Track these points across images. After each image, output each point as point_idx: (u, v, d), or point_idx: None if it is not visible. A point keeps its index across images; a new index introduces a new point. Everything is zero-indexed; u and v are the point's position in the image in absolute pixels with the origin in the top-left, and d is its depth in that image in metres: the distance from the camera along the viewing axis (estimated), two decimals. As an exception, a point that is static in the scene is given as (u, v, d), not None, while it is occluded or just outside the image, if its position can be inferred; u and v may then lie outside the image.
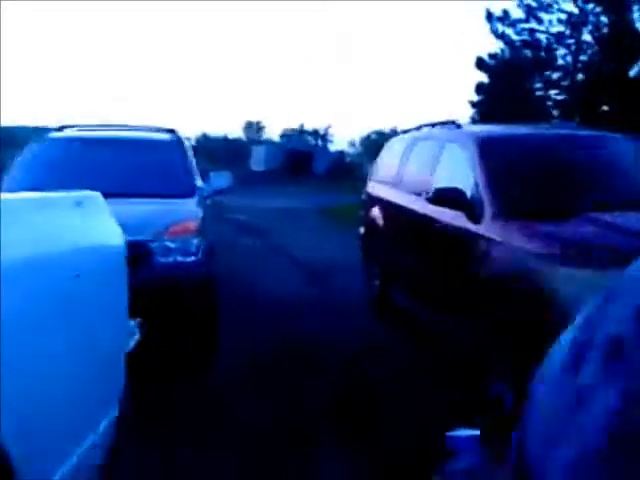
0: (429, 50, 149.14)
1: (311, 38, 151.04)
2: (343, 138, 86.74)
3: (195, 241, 5.10)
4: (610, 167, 5.18)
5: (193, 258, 5.03)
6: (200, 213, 5.54)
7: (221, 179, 6.48)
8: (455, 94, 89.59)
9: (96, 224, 2.54)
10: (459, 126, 5.88)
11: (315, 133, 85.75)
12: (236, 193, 10.30)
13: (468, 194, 4.74)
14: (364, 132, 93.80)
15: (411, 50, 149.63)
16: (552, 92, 36.40)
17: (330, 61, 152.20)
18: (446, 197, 4.77)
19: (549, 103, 34.86)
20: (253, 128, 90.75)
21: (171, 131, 6.97)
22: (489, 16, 29.40)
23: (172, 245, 4.93)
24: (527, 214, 4.44)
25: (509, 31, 29.73)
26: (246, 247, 11.48)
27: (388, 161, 7.52)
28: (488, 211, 4.55)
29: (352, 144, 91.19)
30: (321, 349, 5.58)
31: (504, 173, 4.78)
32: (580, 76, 32.22)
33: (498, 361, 4.20)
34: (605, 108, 27.93)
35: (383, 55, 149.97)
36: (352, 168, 69.55)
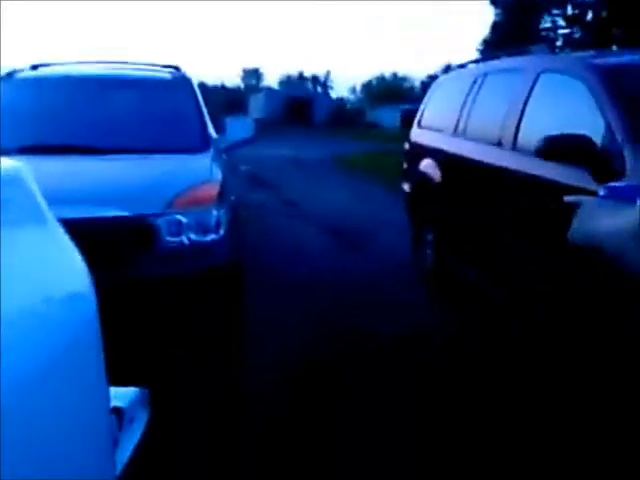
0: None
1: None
2: (343, 84, 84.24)
3: (215, 212, 3.74)
4: None
5: (214, 236, 3.68)
6: (219, 173, 4.17)
7: (240, 127, 5.10)
8: (463, 36, 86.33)
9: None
10: (555, 52, 4.49)
11: (315, 79, 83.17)
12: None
13: (597, 144, 3.39)
14: (365, 77, 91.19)
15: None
16: (564, 30, 34.57)
17: (328, 2, 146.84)
18: (567, 148, 3.40)
19: (559, 42, 33.06)
20: (251, 75, 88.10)
21: (175, 68, 5.51)
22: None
23: (185, 220, 3.58)
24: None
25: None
26: (261, 205, 10.17)
27: (442, 103, 6.12)
28: (631, 167, 3.20)
29: (353, 90, 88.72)
30: (376, 345, 4.31)
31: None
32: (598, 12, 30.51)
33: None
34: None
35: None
36: (354, 115, 67.67)
